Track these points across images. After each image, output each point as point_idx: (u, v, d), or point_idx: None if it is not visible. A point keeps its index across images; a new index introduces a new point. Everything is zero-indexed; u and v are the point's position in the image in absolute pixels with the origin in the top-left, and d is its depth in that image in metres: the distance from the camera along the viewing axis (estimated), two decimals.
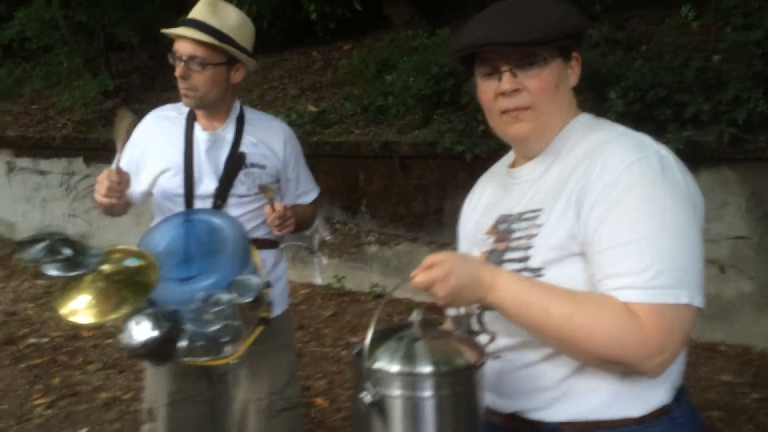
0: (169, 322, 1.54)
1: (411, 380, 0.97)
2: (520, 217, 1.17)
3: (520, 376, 1.12)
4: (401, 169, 4.73)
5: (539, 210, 1.14)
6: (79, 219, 6.21)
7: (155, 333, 1.51)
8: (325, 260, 5.27)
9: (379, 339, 1.01)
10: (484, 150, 4.07)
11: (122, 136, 1.82)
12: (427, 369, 0.97)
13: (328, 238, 5.24)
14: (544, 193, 1.16)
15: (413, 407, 0.97)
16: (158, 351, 1.55)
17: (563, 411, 1.09)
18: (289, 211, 1.94)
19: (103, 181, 1.82)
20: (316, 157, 2.21)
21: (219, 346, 1.65)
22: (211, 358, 1.69)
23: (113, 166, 2.02)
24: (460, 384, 0.99)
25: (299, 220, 2.03)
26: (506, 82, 1.14)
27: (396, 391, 0.97)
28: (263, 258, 1.98)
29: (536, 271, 1.09)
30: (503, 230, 1.19)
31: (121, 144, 1.83)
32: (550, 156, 1.19)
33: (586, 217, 1.07)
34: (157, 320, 1.51)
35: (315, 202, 2.22)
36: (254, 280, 1.65)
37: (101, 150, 6.06)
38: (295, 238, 5.12)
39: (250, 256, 1.82)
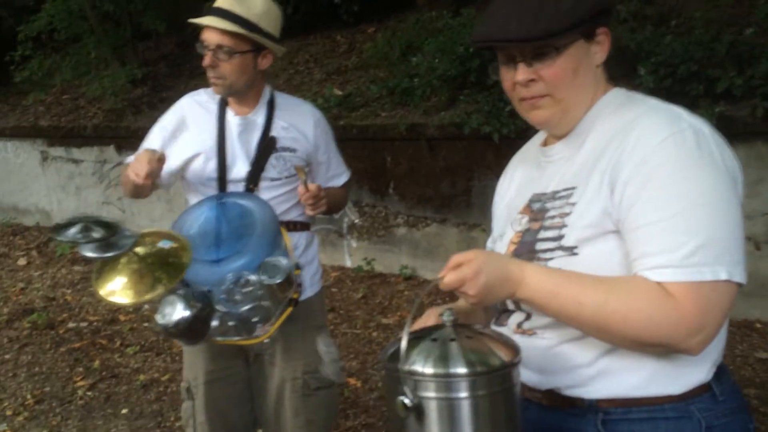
0: (201, 302, 1.58)
1: (447, 382, 0.97)
2: (553, 196, 1.17)
3: (557, 353, 1.13)
4: (428, 150, 4.72)
5: (573, 188, 1.14)
6: (113, 206, 6.33)
7: (187, 313, 1.55)
8: (354, 243, 5.30)
9: (413, 341, 1.02)
10: (511, 130, 4.05)
11: None
12: (462, 370, 0.97)
13: (356, 221, 5.27)
14: (577, 170, 1.15)
15: (450, 409, 0.98)
16: (191, 330, 1.60)
17: (601, 388, 1.09)
18: (322, 191, 1.97)
19: (144, 162, 1.80)
20: (343, 140, 2.22)
21: (250, 326, 1.69)
22: (242, 337, 1.73)
23: (142, 147, 2.06)
24: (496, 384, 0.99)
25: (331, 203, 2.05)
26: (521, 72, 1.14)
27: (432, 394, 0.97)
28: (295, 241, 2.02)
29: (570, 250, 1.09)
30: (537, 209, 1.18)
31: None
32: (582, 133, 1.18)
33: (620, 194, 1.06)
34: (189, 301, 1.56)
35: (346, 185, 2.24)
36: (284, 262, 1.68)
37: (132, 138, 6.15)
38: (324, 222, 5.16)
39: (280, 239, 1.85)
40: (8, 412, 3.46)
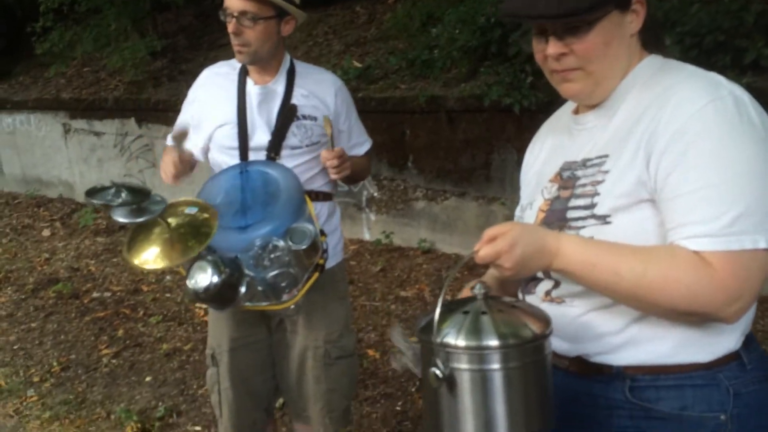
0: (230, 268, 1.60)
1: (479, 354, 0.99)
2: (585, 164, 1.15)
3: (585, 321, 1.13)
4: (448, 123, 4.70)
5: (606, 156, 1.12)
6: (134, 179, 6.39)
7: (216, 278, 1.58)
8: (373, 216, 5.31)
9: (445, 313, 1.03)
10: (532, 102, 4.01)
11: None
12: (494, 342, 0.98)
13: (375, 194, 5.27)
14: (611, 138, 1.13)
15: (482, 381, 0.99)
16: (220, 296, 1.62)
17: (629, 356, 1.10)
18: (346, 154, 1.97)
19: (170, 165, 1.93)
20: (362, 113, 2.21)
21: (278, 291, 1.72)
22: (270, 303, 1.76)
23: (169, 139, 2.10)
24: (527, 355, 1.00)
25: (354, 171, 2.05)
26: (552, 46, 1.13)
27: (464, 365, 0.99)
28: (317, 210, 2.02)
29: (603, 219, 1.08)
30: (567, 177, 1.17)
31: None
32: (616, 102, 1.16)
33: (657, 163, 1.04)
34: (218, 266, 1.58)
35: (368, 154, 2.24)
36: (309, 228, 1.69)
37: (152, 110, 6.19)
38: (343, 195, 5.17)
39: (305, 205, 1.85)
40: (35, 379, 3.55)
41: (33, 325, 4.23)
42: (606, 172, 1.11)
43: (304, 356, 2.06)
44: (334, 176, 1.99)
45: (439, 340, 1.00)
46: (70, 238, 5.98)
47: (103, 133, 6.65)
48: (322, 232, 1.87)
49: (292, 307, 1.82)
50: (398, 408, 3.05)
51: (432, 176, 4.95)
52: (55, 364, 3.68)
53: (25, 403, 3.32)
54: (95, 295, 4.66)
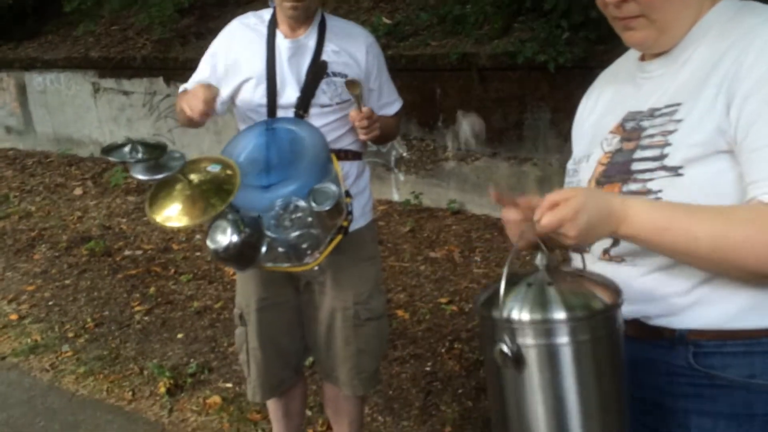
0: (251, 227, 1.58)
1: (546, 329, 0.93)
2: (652, 114, 1.07)
3: (646, 281, 1.06)
4: (480, 81, 4.58)
5: (677, 104, 1.04)
6: (163, 138, 6.40)
7: (236, 238, 1.56)
8: (402, 177, 5.26)
9: (507, 286, 0.96)
10: (568, 59, 3.88)
11: None
12: (562, 315, 0.92)
13: (404, 154, 5.20)
14: (683, 85, 1.05)
15: (551, 356, 0.93)
16: (240, 255, 1.60)
17: (694, 319, 1.03)
18: (375, 115, 1.91)
19: (200, 99, 1.78)
20: (392, 71, 2.14)
21: (299, 252, 1.69)
22: (292, 264, 1.73)
23: (191, 81, 2.04)
24: (598, 328, 0.94)
25: (383, 131, 2.00)
26: None
27: (531, 341, 0.93)
28: (346, 170, 1.97)
29: (674, 170, 1.01)
30: (632, 128, 1.09)
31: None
32: (688, 48, 1.07)
33: (739, 109, 0.96)
34: (238, 226, 1.56)
35: (398, 114, 2.18)
36: (333, 189, 1.65)
37: (180, 69, 6.15)
38: (371, 155, 5.12)
39: (331, 166, 1.81)
40: (70, 334, 3.62)
41: (67, 282, 4.31)
42: (679, 120, 1.02)
43: (332, 317, 2.04)
44: (363, 137, 1.94)
45: (504, 315, 0.94)
46: (102, 197, 6.05)
47: (132, 93, 6.65)
48: (347, 194, 1.83)
49: (316, 268, 1.79)
50: (427, 369, 3.05)
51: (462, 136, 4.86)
52: (89, 320, 3.74)
53: (60, 358, 3.39)
54: (127, 253, 4.72)
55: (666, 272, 1.04)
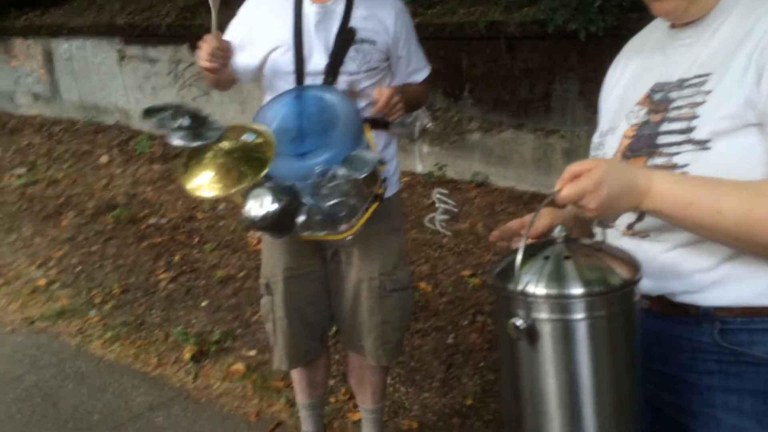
0: (288, 196, 1.56)
1: (562, 303, 0.91)
2: (680, 84, 1.04)
3: (671, 257, 1.04)
4: (507, 51, 4.49)
5: (707, 74, 1.00)
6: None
7: (275, 206, 1.55)
8: (425, 148, 5.21)
9: (523, 258, 0.94)
10: (600, 28, 3.77)
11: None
12: (578, 290, 0.90)
13: (429, 125, 5.14)
14: (714, 55, 1.01)
15: (565, 331, 0.91)
16: (278, 223, 1.59)
17: (720, 296, 1.01)
18: (395, 97, 1.87)
19: (203, 45, 1.80)
20: (417, 40, 2.10)
21: (336, 220, 1.68)
22: (328, 232, 1.72)
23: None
24: (615, 304, 0.92)
25: (410, 100, 1.96)
26: None
27: (546, 315, 0.91)
28: (374, 139, 1.95)
29: (702, 144, 0.98)
30: (659, 100, 1.06)
31: (214, 5, 1.80)
32: (720, 15, 1.04)
33: None
34: (276, 194, 1.55)
35: (426, 81, 2.14)
36: (370, 156, 1.63)
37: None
38: (395, 126, 5.07)
39: (363, 133, 1.78)
40: (97, 300, 3.67)
41: (93, 248, 4.36)
42: (708, 92, 0.99)
43: (358, 288, 2.03)
44: (389, 118, 1.91)
45: (519, 288, 0.92)
46: (127, 165, 6.09)
47: (157, 60, 6.64)
48: (381, 161, 1.80)
49: (348, 238, 1.78)
50: (450, 341, 3.04)
51: (488, 107, 4.79)
52: (115, 286, 3.79)
53: (87, 323, 3.45)
54: (152, 221, 4.75)
55: (690, 248, 1.02)
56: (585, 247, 0.98)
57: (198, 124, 1.41)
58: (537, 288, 0.91)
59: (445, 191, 4.33)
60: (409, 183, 5.03)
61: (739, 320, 1.00)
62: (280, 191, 1.55)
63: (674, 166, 1.00)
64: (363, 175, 1.61)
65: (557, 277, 0.92)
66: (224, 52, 1.82)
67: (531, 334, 0.91)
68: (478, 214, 4.44)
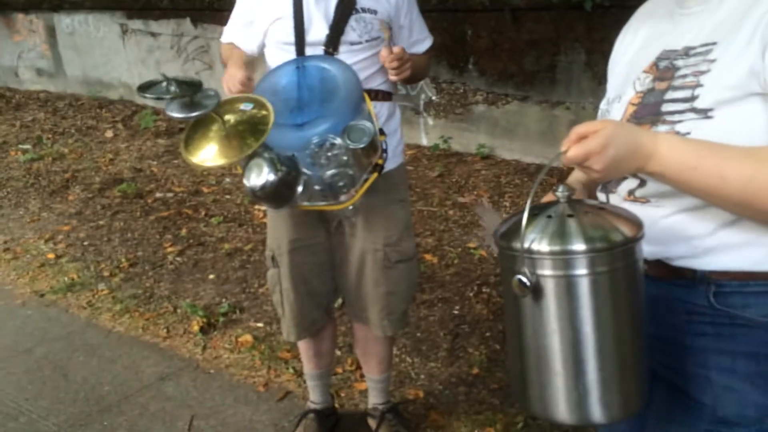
0: (286, 166, 1.57)
1: (565, 259, 0.92)
2: (687, 52, 1.04)
3: (670, 222, 1.05)
4: (512, 22, 4.45)
5: (713, 43, 1.00)
6: None
7: (273, 176, 1.55)
8: (431, 121, 5.20)
9: (528, 217, 0.95)
10: None
11: None
12: (581, 246, 0.92)
13: (434, 98, 5.12)
14: (720, 23, 1.01)
15: (569, 287, 0.93)
16: (276, 194, 1.60)
17: (717, 261, 1.02)
18: (406, 54, 1.86)
19: (236, 83, 1.81)
20: (421, 11, 2.08)
21: (335, 191, 1.68)
22: (328, 203, 1.72)
23: (230, 26, 2.02)
24: (617, 260, 0.93)
25: (414, 70, 1.95)
26: None
27: (550, 272, 0.93)
28: (377, 111, 1.94)
29: (704, 113, 0.98)
30: (665, 67, 1.06)
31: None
32: None
33: None
34: (274, 164, 1.55)
35: (429, 52, 2.12)
36: (368, 126, 1.63)
37: (207, 10, 6.09)
38: (400, 99, 5.05)
39: (363, 103, 1.78)
40: (105, 273, 3.71)
41: (101, 222, 4.39)
42: (712, 61, 0.99)
43: (363, 259, 2.05)
44: (393, 78, 1.90)
45: (524, 246, 0.94)
46: (132, 140, 6.10)
47: (160, 34, 6.61)
48: (382, 132, 1.80)
49: (350, 208, 1.78)
50: (455, 312, 3.07)
51: (493, 79, 4.76)
52: (123, 260, 3.83)
53: (96, 296, 3.49)
54: (158, 195, 4.78)
55: (690, 214, 1.03)
56: (588, 206, 1.00)
57: (192, 91, 1.42)
58: (540, 245, 0.93)
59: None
60: (415, 156, 5.02)
61: (734, 283, 1.01)
62: (279, 161, 1.56)
63: (676, 134, 1.00)
64: (361, 146, 1.61)
65: (560, 235, 0.93)
66: (251, 81, 1.85)
67: (536, 290, 0.93)
68: (484, 186, 4.45)
